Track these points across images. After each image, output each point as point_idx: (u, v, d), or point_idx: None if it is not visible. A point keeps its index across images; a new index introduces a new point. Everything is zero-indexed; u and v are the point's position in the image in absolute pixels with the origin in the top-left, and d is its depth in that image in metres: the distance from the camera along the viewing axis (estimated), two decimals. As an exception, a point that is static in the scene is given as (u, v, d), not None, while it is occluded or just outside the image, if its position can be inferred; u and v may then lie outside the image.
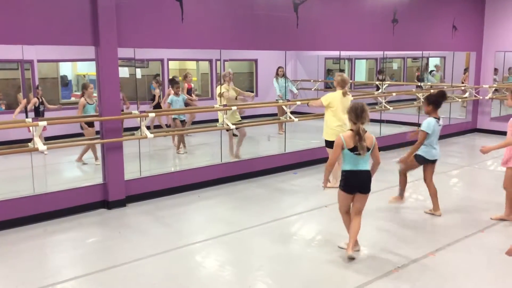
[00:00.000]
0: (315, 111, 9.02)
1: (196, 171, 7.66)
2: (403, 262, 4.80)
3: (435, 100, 5.87)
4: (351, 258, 4.78)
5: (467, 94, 12.26)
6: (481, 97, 12.25)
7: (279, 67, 11.98)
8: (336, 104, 7.05)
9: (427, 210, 6.30)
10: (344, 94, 7.11)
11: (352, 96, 7.49)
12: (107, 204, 6.54)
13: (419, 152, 5.99)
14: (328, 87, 15.40)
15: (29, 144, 6.07)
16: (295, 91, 13.23)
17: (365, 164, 4.80)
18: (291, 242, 5.47)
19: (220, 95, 8.50)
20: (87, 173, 8.59)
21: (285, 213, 6.41)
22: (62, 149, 7.66)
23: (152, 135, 7.03)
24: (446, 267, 4.73)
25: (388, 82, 14.66)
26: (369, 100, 11.73)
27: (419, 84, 14.35)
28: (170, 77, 13.40)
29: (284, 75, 11.95)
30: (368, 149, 4.73)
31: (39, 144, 5.93)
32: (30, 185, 6.39)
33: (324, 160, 8.36)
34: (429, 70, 15.75)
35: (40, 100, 9.60)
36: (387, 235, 5.63)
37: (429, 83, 14.64)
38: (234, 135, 8.69)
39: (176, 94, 9.69)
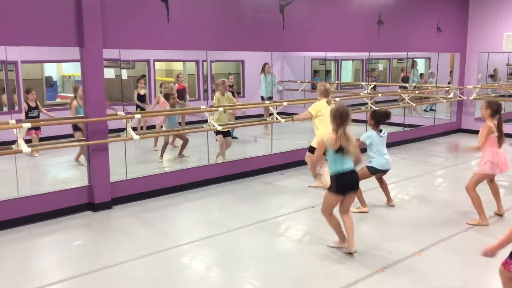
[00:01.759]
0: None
1: (183, 172, 7.64)
2: (389, 262, 4.84)
3: (378, 118, 6.35)
4: (354, 252, 4.97)
5: (451, 95, 12.41)
6: (465, 98, 12.40)
7: (265, 64, 11.97)
8: (324, 113, 6.99)
9: (387, 203, 6.65)
10: (329, 103, 7.14)
11: (339, 97, 7.56)
12: (93, 207, 6.49)
13: (371, 164, 6.35)
14: (315, 88, 15.47)
15: (13, 146, 6.00)
16: (279, 87, 13.24)
17: (350, 162, 4.94)
18: (278, 243, 5.48)
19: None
20: (75, 175, 8.52)
21: (272, 213, 6.43)
22: (52, 151, 7.59)
23: (138, 137, 7.00)
24: (431, 267, 4.78)
25: (374, 83, 14.77)
26: (356, 100, 11.80)
27: (404, 85, 14.48)
28: (157, 77, 13.40)
29: (271, 72, 11.95)
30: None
31: (23, 146, 5.86)
32: (14, 188, 6.31)
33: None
34: (419, 73, 15.90)
35: (34, 105, 9.27)
36: (372, 235, 5.67)
37: (414, 84, 14.78)
38: (234, 137, 8.67)
39: (172, 105, 9.47)
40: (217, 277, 4.64)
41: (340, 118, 4.81)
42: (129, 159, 7.51)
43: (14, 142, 5.96)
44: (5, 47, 6.99)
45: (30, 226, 5.89)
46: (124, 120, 6.85)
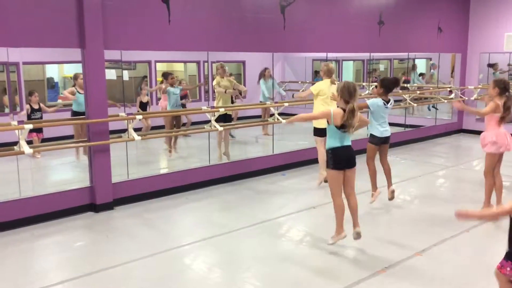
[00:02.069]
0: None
1: (184, 173, 7.65)
2: (390, 262, 4.84)
3: (387, 85, 6.31)
4: (359, 234, 5.06)
5: (452, 95, 12.40)
6: (466, 98, 12.39)
7: (265, 69, 11.92)
8: (327, 92, 7.10)
9: (391, 194, 6.65)
10: (332, 82, 7.17)
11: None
12: (95, 207, 6.50)
13: (370, 132, 6.46)
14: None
15: (14, 147, 6.02)
16: (283, 93, 13.16)
17: (349, 140, 5.02)
18: (280, 244, 5.48)
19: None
20: (76, 176, 8.53)
21: (273, 214, 6.43)
22: (53, 152, 7.60)
23: (139, 138, 7.01)
24: (433, 267, 4.78)
25: (375, 84, 14.77)
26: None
27: (405, 85, 14.48)
28: (158, 78, 13.40)
29: (271, 77, 11.92)
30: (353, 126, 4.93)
31: (25, 147, 5.87)
32: (16, 189, 6.32)
33: (312, 161, 8.42)
34: (419, 73, 15.89)
35: (37, 106, 9.24)
36: (373, 235, 5.67)
37: (415, 84, 14.78)
38: (232, 136, 8.71)
39: (172, 85, 9.60)
40: (218, 277, 4.65)
41: (348, 93, 4.83)
42: (131, 160, 7.51)
43: (15, 143, 5.97)
44: (7, 48, 7.01)
45: (32, 227, 5.90)
46: (126, 121, 6.86)
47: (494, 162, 5.98)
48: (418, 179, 8.25)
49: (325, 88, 7.15)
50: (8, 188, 6.74)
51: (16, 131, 5.90)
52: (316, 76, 16.11)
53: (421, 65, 17.29)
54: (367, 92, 12.74)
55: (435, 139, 11.89)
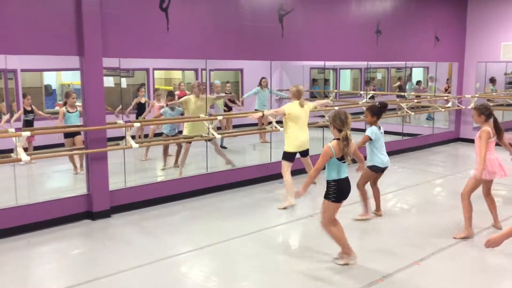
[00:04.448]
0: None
1: (182, 181, 7.64)
2: (388, 271, 4.83)
3: (379, 112, 6.25)
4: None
5: (450, 104, 12.45)
6: (463, 107, 12.44)
7: (262, 78, 11.93)
8: (297, 114, 6.90)
9: (374, 212, 6.53)
10: (301, 105, 6.95)
11: (337, 105, 7.55)
12: (92, 215, 6.48)
13: (372, 162, 6.28)
14: (314, 97, 15.51)
15: (12, 154, 6.00)
16: (285, 95, 13.00)
17: (346, 170, 4.87)
18: (278, 252, 5.46)
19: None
20: (72, 183, 8.51)
21: (271, 222, 6.41)
22: (47, 159, 7.56)
23: (137, 145, 7.00)
24: (431, 277, 4.77)
25: (373, 92, 14.82)
26: (355, 109, 11.82)
27: (402, 94, 14.51)
28: (156, 86, 13.41)
29: (267, 86, 11.89)
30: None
31: (22, 154, 5.86)
32: (13, 196, 6.30)
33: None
34: (416, 80, 15.95)
35: (30, 108, 9.41)
36: (371, 244, 5.66)
37: (412, 93, 14.83)
38: (223, 147, 8.59)
39: (172, 108, 9.10)
40: (215, 286, 4.63)
41: (340, 121, 4.69)
42: (128, 168, 7.49)
43: (10, 150, 5.95)
44: (5, 55, 7.02)
45: (28, 235, 5.87)
46: (124, 128, 6.86)
47: (476, 187, 5.69)
48: (415, 188, 8.25)
49: (295, 110, 6.89)
50: (2, 195, 6.71)
51: (14, 138, 5.90)
52: (314, 84, 16.17)
53: (418, 74, 17.36)
54: (364, 100, 12.76)
55: (432, 148, 11.91)
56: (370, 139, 6.17)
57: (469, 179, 5.72)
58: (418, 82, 15.86)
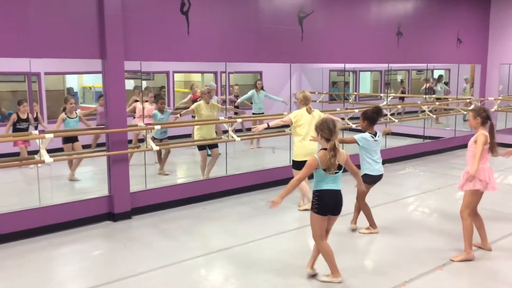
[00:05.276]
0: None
1: (202, 183, 7.67)
2: (410, 276, 4.75)
3: (371, 117, 5.79)
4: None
5: (472, 107, 12.24)
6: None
7: (257, 80, 11.80)
8: (305, 121, 6.65)
9: (364, 230, 6.04)
10: (309, 111, 6.67)
11: (357, 109, 7.44)
12: (113, 216, 6.54)
13: (365, 171, 5.84)
14: (333, 99, 15.43)
15: (35, 156, 6.10)
16: (281, 100, 12.52)
17: (338, 183, 4.53)
18: (298, 255, 5.43)
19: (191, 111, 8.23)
20: (90, 185, 8.60)
21: (291, 225, 6.39)
22: (62, 162, 7.60)
23: (157, 147, 7.05)
24: (454, 282, 4.69)
25: (393, 94, 14.69)
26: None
27: (433, 96, 14.31)
28: (176, 88, 13.50)
29: (262, 88, 11.74)
30: (340, 167, 4.48)
31: (45, 156, 5.95)
32: (31, 198, 6.39)
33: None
34: (444, 81, 15.76)
35: (25, 116, 8.87)
36: (392, 246, 5.59)
37: (434, 96, 14.63)
38: (208, 155, 8.33)
39: (160, 110, 8.86)
40: (235, 289, 4.62)
41: (328, 130, 4.40)
42: (149, 170, 7.55)
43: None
44: (29, 59, 7.14)
45: (51, 236, 5.96)
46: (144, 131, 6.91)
47: (476, 201, 5.22)
48: (437, 192, 8.13)
49: (303, 117, 6.62)
50: (23, 197, 6.81)
51: (37, 140, 6.00)
52: (333, 86, 16.08)
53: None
54: (384, 103, 12.64)
55: (454, 151, 11.73)
56: (358, 143, 5.78)
57: (464, 194, 5.24)
58: (447, 83, 15.67)
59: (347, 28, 9.20)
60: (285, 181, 8.34)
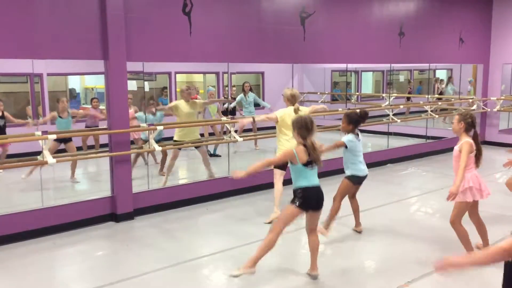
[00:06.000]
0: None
1: (205, 184, 7.67)
2: (413, 277, 4.75)
3: (357, 120, 5.72)
4: (316, 276, 4.72)
5: (474, 107, 12.23)
6: (489, 110, 12.21)
7: (244, 83, 11.70)
8: (288, 122, 6.17)
9: (354, 228, 6.05)
10: (296, 110, 6.28)
11: (358, 108, 7.39)
12: (115, 217, 6.55)
13: (351, 172, 5.80)
14: (335, 99, 15.43)
15: (38, 157, 6.11)
16: (268, 105, 12.12)
17: (316, 178, 4.60)
18: (302, 256, 5.43)
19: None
20: (92, 186, 8.61)
21: (292, 226, 6.35)
22: (64, 163, 7.61)
23: (160, 148, 7.06)
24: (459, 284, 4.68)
25: (395, 94, 14.68)
26: (377, 112, 11.71)
27: (439, 96, 14.29)
28: (178, 89, 13.50)
29: (251, 90, 11.58)
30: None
31: (48, 157, 5.96)
32: (38, 198, 6.41)
33: (327, 173, 8.33)
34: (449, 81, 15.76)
35: (0, 114, 8.86)
36: (396, 247, 5.59)
37: (436, 95, 14.62)
38: (217, 155, 8.24)
39: (152, 113, 8.82)
40: (238, 289, 4.62)
41: (306, 129, 4.43)
42: (151, 170, 7.56)
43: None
44: (32, 60, 7.15)
45: (54, 236, 5.97)
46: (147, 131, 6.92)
47: (465, 210, 5.11)
48: (440, 192, 8.11)
49: (289, 116, 6.09)
50: (27, 197, 6.83)
51: (40, 141, 6.01)
52: (335, 87, 16.08)
53: (441, 76, 17.12)
54: (386, 103, 12.63)
55: (457, 151, 11.70)
56: (346, 147, 5.70)
57: (454, 203, 5.10)
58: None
59: (349, 28, 9.20)
60: (286, 182, 8.36)
